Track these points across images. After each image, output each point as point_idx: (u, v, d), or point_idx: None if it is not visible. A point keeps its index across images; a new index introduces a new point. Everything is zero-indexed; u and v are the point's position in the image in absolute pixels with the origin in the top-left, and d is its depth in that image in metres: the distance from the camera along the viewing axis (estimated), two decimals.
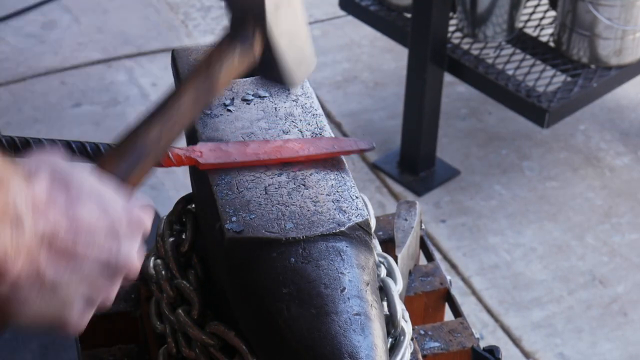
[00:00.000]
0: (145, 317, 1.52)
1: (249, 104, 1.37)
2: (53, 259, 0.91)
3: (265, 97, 1.38)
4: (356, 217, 1.21)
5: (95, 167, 1.03)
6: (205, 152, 1.27)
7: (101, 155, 1.18)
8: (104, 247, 0.95)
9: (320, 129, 1.34)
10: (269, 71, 1.23)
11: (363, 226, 1.21)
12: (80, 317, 0.97)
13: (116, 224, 0.96)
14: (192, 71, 1.16)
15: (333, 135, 1.34)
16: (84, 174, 0.97)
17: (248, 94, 1.38)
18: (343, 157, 1.31)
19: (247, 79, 1.41)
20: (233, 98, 1.37)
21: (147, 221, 1.00)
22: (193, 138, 1.32)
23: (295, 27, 1.21)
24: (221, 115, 1.34)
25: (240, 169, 1.26)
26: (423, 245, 1.74)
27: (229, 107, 1.36)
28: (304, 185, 1.25)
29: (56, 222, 0.91)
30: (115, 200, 0.97)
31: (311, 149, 1.29)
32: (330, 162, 1.29)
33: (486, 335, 2.84)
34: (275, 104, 1.37)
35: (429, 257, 1.73)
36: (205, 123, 1.33)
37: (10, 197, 0.86)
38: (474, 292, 2.98)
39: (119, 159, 1.06)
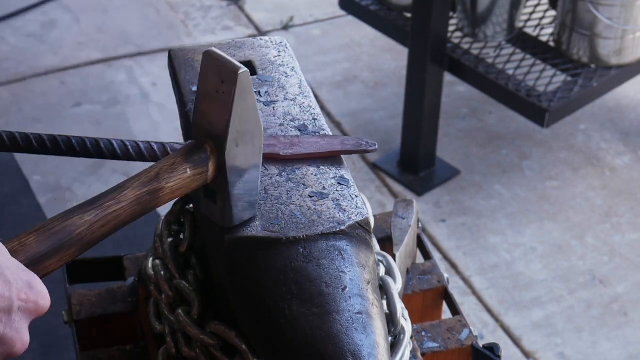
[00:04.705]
0: (144, 317, 1.52)
1: None
2: None
3: (263, 97, 1.38)
4: (356, 215, 1.21)
5: (14, 240, 1.00)
6: None
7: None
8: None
9: (318, 128, 1.34)
10: (208, 203, 1.19)
11: (363, 225, 1.21)
12: None
13: (12, 300, 0.94)
14: (142, 172, 1.13)
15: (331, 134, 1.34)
16: None
17: None
18: (342, 156, 1.31)
19: None
20: None
21: (43, 307, 0.97)
22: (191, 138, 1.32)
23: (249, 168, 1.17)
24: None
25: None
26: (420, 244, 1.74)
27: None
28: (304, 184, 1.25)
29: None
30: (18, 277, 0.95)
31: (317, 147, 1.29)
32: (330, 161, 1.29)
33: (486, 335, 2.84)
34: (273, 104, 1.37)
35: (427, 256, 1.72)
36: None
37: None
38: (474, 292, 2.98)
39: (41, 238, 1.03)
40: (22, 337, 0.95)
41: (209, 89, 1.13)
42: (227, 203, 1.17)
